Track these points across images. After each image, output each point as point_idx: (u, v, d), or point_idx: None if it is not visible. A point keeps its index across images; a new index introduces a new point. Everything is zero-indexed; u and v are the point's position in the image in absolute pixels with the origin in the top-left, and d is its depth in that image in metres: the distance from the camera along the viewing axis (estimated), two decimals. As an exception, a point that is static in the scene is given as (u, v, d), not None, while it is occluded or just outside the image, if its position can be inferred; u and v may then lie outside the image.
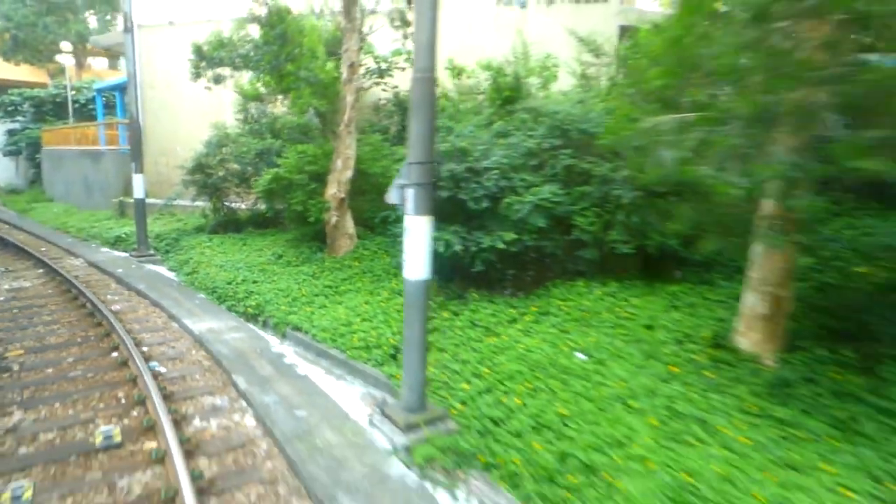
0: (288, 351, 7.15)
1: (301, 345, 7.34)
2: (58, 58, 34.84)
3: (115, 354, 6.67)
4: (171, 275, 11.20)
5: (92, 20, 37.42)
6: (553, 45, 12.08)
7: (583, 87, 10.37)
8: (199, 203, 15.04)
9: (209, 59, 9.89)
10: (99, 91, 24.79)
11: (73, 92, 28.58)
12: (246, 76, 11.39)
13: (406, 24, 11.59)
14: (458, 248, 7.46)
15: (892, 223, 6.78)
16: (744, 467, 3.98)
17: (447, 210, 7.62)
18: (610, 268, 7.66)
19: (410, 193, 4.40)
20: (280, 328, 7.89)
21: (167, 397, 5.35)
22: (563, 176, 7.60)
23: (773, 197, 4.63)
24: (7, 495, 3.95)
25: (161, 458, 4.39)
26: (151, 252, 12.53)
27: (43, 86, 33.42)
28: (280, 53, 9.17)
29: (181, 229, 14.20)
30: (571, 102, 8.58)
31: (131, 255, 12.41)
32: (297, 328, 7.67)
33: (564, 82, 11.24)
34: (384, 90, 13.94)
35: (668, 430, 4.54)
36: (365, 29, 10.30)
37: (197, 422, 5.05)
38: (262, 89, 11.68)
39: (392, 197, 4.68)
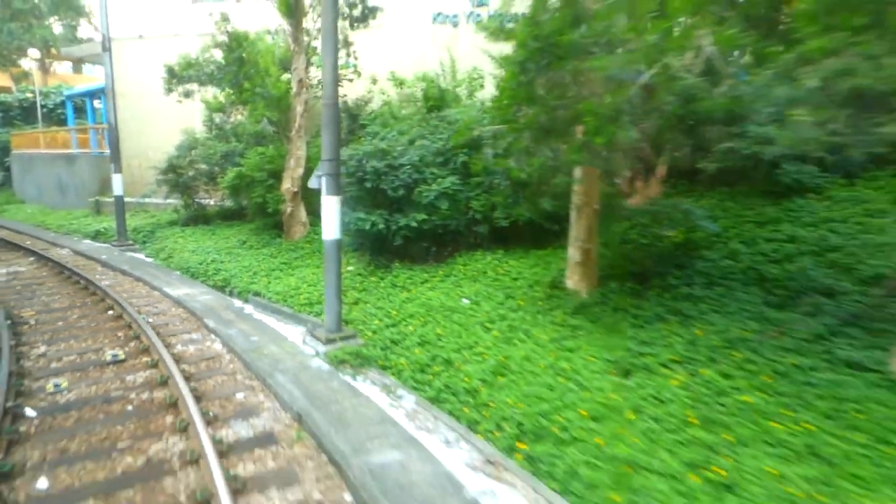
0: (248, 307, 9.19)
1: (259, 305, 9.36)
2: (23, 63, 35.75)
3: (110, 312, 8.61)
4: (150, 259, 13.05)
5: (56, 26, 38.23)
6: (482, 58, 14.28)
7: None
8: (170, 201, 16.83)
9: (180, 77, 11.84)
10: (69, 97, 26.11)
11: (41, 97, 29.70)
12: (211, 91, 13.30)
13: (347, 44, 13.69)
14: (381, 226, 9.58)
15: (693, 200, 9.16)
16: (539, 352, 6.21)
17: (372, 197, 9.78)
18: (502, 239, 9.88)
19: (324, 181, 6.51)
20: (243, 294, 9.90)
21: (157, 334, 7.34)
22: (461, 170, 9.78)
23: (578, 179, 6.90)
24: (50, 385, 5.91)
25: (155, 363, 6.41)
26: (130, 242, 14.33)
27: (7, 90, 34.25)
28: (239, 73, 11.18)
29: (155, 223, 15.99)
30: (473, 110, 10.78)
31: (112, 245, 14.19)
32: (257, 294, 9.70)
33: (490, 92, 13.41)
34: (341, 97, 15.94)
35: (503, 337, 6.76)
36: (313, 47, 12.36)
37: (180, 346, 7.08)
38: (225, 102, 13.62)
39: (313, 183, 6.79)
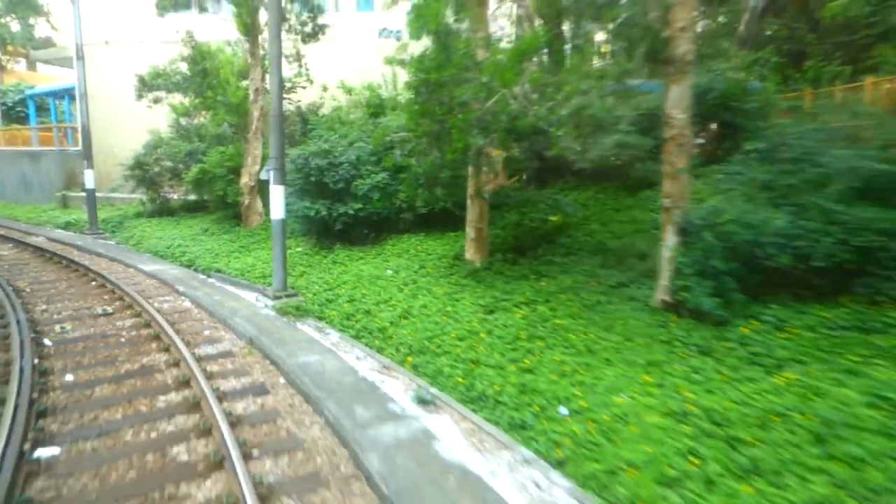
0: (211, 279, 11.08)
1: (220, 278, 11.23)
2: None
3: (93, 283, 10.37)
4: (121, 245, 14.69)
5: (14, 24, 38.49)
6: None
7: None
8: (135, 195, 18.37)
9: (149, 85, 13.55)
10: (31, 96, 27.00)
11: (0, 94, 30.30)
12: (177, 97, 15.02)
13: (300, 57, 15.61)
14: (324, 213, 11.59)
15: (577, 193, 11.54)
16: (434, 302, 8.36)
17: (317, 189, 11.77)
18: (424, 224, 12.00)
19: (271, 173, 8.52)
20: (207, 270, 11.76)
21: (137, 295, 9.17)
22: (391, 167, 11.86)
23: (471, 174, 9.09)
24: (57, 328, 7.72)
25: (139, 314, 8.29)
26: (101, 231, 15.88)
27: (-39, 88, 34.52)
28: (203, 83, 13.00)
29: (123, 215, 17.52)
30: (400, 119, 12.88)
31: (84, 234, 15.70)
32: (219, 270, 11.57)
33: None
34: (289, 103, 17.82)
35: (411, 294, 8.88)
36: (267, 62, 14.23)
37: (157, 304, 8.94)
38: (190, 107, 15.36)
39: (263, 175, 8.79)
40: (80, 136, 22.18)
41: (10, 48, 37.92)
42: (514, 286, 8.40)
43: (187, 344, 6.90)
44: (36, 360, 6.18)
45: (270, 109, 15.35)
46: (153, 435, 4.88)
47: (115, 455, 4.52)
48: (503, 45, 8.40)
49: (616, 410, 5.09)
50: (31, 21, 38.29)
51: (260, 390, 5.82)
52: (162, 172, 16.96)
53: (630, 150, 6.96)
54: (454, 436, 4.97)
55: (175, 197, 17.77)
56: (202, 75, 13.01)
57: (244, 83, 14.82)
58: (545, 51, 6.65)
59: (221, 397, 5.42)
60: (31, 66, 42.38)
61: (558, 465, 4.68)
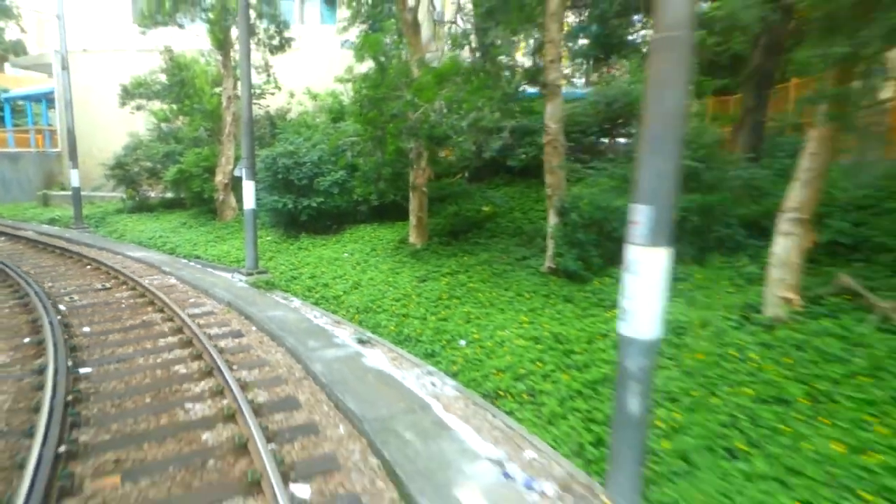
0: (192, 263, 12.78)
1: (200, 263, 12.95)
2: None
3: (88, 266, 11.99)
4: (107, 238, 16.20)
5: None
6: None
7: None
8: (115, 194, 19.81)
9: (132, 93, 15.14)
10: (7, 100, 27.97)
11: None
12: (157, 104, 16.61)
13: (268, 67, 17.32)
14: (290, 206, 13.40)
15: (502, 188, 13.60)
16: (380, 276, 10.28)
17: (284, 186, 13.56)
18: (378, 215, 13.91)
19: (244, 171, 10.32)
20: (188, 256, 13.45)
21: (130, 274, 10.85)
22: (346, 166, 13.73)
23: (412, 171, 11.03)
24: (67, 298, 9.40)
25: (133, 287, 10.00)
26: (86, 226, 17.33)
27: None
28: (180, 92, 14.65)
29: (104, 211, 18.97)
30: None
31: (71, 228, 17.15)
32: (198, 256, 13.29)
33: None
34: (259, 108, 19.50)
35: (361, 270, 10.79)
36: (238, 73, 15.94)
37: (147, 281, 10.64)
38: (169, 114, 16.97)
39: (237, 172, 10.58)
40: (59, 138, 23.52)
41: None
42: (444, 262, 10.39)
43: (178, 305, 8.69)
44: (58, 317, 7.89)
45: (242, 115, 17.02)
46: (158, 360, 6.70)
47: (132, 371, 6.34)
48: (436, 63, 10.40)
49: (497, 340, 7.10)
50: (1, 24, 38.81)
51: (237, 334, 7.68)
52: (141, 172, 18.47)
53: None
54: (380, 359, 6.90)
55: (153, 195, 19.29)
56: (180, 85, 14.69)
57: (217, 90, 16.49)
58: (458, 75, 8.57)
59: (209, 337, 7.25)
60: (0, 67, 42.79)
61: (452, 375, 6.66)
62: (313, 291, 10.27)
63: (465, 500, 3.88)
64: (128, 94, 15.34)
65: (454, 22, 10.79)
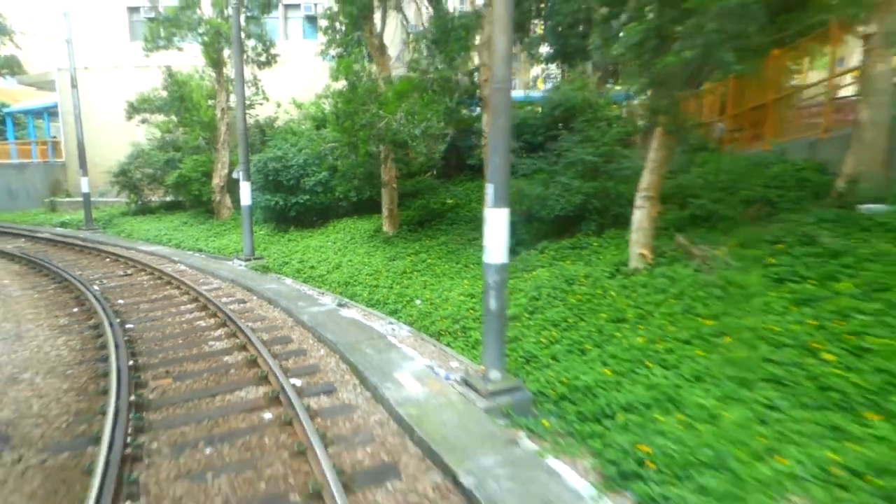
0: (196, 254, 14.80)
1: (203, 254, 14.96)
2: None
3: (107, 259, 13.97)
4: (117, 237, 18.14)
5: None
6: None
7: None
8: (117, 199, 21.71)
9: (137, 108, 17.11)
10: (9, 114, 29.67)
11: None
12: (159, 117, 18.58)
13: (257, 81, 19.31)
14: (281, 204, 15.45)
15: (466, 183, 15.73)
16: (357, 258, 12.38)
17: (274, 186, 15.60)
18: (357, 210, 15.98)
19: (241, 173, 12.37)
20: (192, 249, 15.45)
21: (146, 263, 12.83)
22: (328, 168, 15.79)
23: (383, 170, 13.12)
24: (97, 283, 11.39)
25: (151, 272, 12.01)
26: (95, 227, 19.24)
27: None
28: (180, 106, 16.65)
29: (110, 214, 20.89)
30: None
31: (82, 229, 19.06)
32: (200, 249, 15.30)
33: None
34: (249, 118, 21.47)
35: (342, 254, 12.87)
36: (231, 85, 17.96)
37: (161, 268, 12.65)
38: (171, 125, 18.95)
39: (234, 174, 12.62)
40: (63, 149, 25.36)
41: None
42: (410, 245, 12.51)
43: (191, 283, 10.72)
44: (98, 291, 9.91)
45: (235, 124, 18.91)
46: (183, 318, 8.75)
47: (164, 325, 8.39)
48: (403, 71, 12.52)
49: (444, 298, 9.22)
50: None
51: (242, 301, 9.75)
52: (143, 178, 20.39)
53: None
54: (354, 313, 8.99)
55: (154, 199, 21.23)
56: (179, 100, 16.69)
57: (212, 102, 18.47)
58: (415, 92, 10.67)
59: (220, 303, 9.29)
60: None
61: (408, 323, 8.77)
62: (302, 272, 12.34)
63: (400, 379, 5.99)
64: (134, 109, 17.34)
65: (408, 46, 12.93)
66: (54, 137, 27.39)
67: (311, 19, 23.44)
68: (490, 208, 5.28)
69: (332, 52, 13.01)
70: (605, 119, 12.05)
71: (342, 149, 12.15)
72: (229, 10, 15.86)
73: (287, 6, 23.08)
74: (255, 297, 10.11)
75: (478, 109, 13.60)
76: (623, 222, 9.76)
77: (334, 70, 11.61)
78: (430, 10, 12.56)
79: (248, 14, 16.96)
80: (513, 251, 10.50)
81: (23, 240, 17.67)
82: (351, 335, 7.51)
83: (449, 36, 10.41)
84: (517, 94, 25.00)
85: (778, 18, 5.89)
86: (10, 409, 5.63)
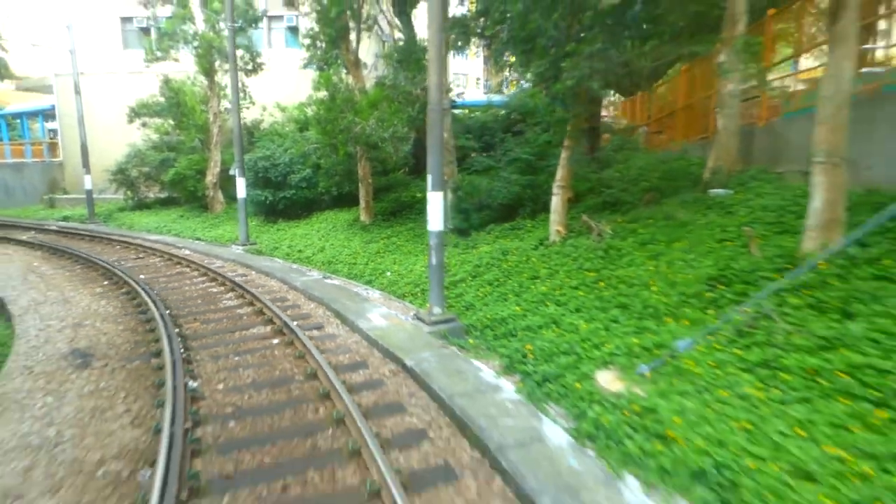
0: (196, 243, 16.84)
1: (202, 242, 16.99)
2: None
3: (118, 246, 15.94)
4: (119, 229, 20.03)
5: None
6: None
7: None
8: (115, 196, 23.51)
9: (138, 113, 19.03)
10: (2, 116, 31.09)
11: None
12: (157, 121, 20.50)
13: (243, 88, 21.29)
14: (270, 198, 17.55)
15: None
16: (338, 242, 14.57)
17: (264, 182, 17.70)
18: (339, 203, 18.13)
19: (237, 170, 14.46)
20: (191, 238, 17.47)
21: (154, 249, 14.83)
22: (311, 166, 17.92)
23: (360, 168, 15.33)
24: (117, 263, 13.40)
25: (161, 255, 14.05)
26: (98, 221, 21.06)
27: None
28: (177, 111, 18.62)
29: (110, 209, 22.70)
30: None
31: (85, 222, 20.87)
32: (199, 238, 17.34)
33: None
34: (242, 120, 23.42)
35: (325, 240, 15.05)
36: (223, 91, 19.98)
37: (168, 251, 14.67)
38: (168, 128, 20.88)
39: (231, 171, 14.71)
40: (60, 149, 27.00)
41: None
42: (383, 231, 14.73)
43: (198, 261, 12.81)
44: (126, 268, 11.98)
45: (226, 126, 20.81)
46: (197, 287, 10.87)
47: (184, 291, 10.51)
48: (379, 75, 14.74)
49: (409, 270, 11.47)
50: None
51: (243, 274, 11.90)
52: (140, 176, 22.25)
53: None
54: (337, 282, 11.20)
55: (150, 195, 23.09)
56: (176, 105, 18.66)
57: (204, 107, 20.43)
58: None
59: (225, 275, 11.41)
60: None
61: (380, 288, 11.00)
62: (291, 255, 14.48)
63: (371, 318, 8.25)
64: (135, 114, 19.25)
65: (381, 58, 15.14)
66: (52, 138, 28.95)
67: (293, 30, 25.45)
68: (430, 192, 7.55)
69: (314, 64, 15.14)
70: (546, 123, 14.43)
71: (324, 149, 14.32)
72: (220, 25, 17.92)
73: (271, 18, 25.03)
74: (253, 272, 12.26)
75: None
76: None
77: (316, 82, 13.77)
78: (401, 24, 14.79)
79: (237, 26, 18.96)
80: (466, 233, 12.87)
81: (33, 231, 19.45)
82: (334, 294, 9.74)
83: (410, 58, 12.67)
84: (481, 99, 27.37)
85: (635, 53, 8.27)
86: (85, 341, 7.75)
